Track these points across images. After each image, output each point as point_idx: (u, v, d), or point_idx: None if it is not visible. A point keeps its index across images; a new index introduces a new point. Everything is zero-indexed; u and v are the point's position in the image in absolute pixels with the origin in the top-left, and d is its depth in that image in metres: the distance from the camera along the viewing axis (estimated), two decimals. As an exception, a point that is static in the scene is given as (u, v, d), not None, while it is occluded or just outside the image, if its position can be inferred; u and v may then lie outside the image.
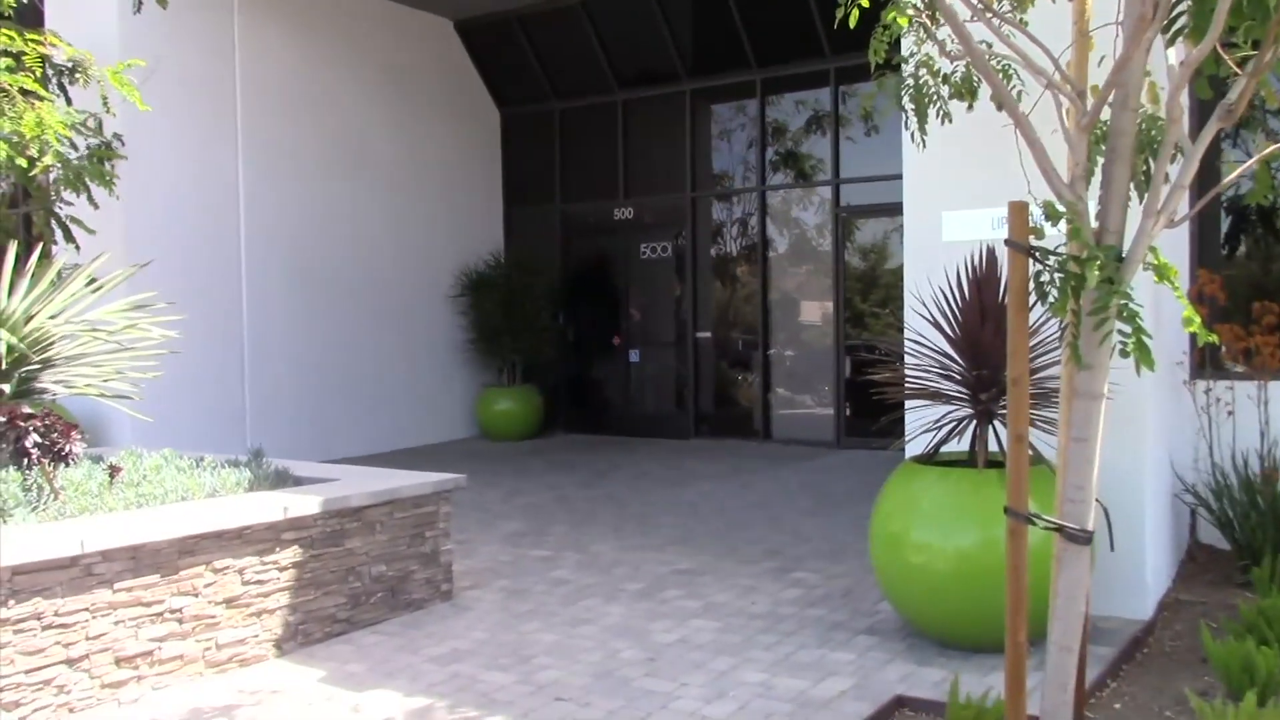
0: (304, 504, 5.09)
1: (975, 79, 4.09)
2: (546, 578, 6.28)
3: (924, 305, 5.03)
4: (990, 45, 3.00)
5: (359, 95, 11.83)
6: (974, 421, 4.87)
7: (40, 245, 7.05)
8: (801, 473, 9.96)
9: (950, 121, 4.27)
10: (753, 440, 11.92)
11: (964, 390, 4.77)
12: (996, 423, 4.80)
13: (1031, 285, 2.65)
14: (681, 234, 12.35)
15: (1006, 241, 2.65)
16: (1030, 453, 2.93)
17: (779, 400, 12.01)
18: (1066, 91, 2.63)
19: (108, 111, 8.53)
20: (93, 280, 5.88)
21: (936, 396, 4.85)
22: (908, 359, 5.25)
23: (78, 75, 8.39)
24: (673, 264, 12.45)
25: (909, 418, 5.55)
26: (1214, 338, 2.52)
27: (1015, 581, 2.72)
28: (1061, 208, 2.58)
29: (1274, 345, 5.83)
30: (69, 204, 9.18)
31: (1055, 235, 2.70)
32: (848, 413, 11.34)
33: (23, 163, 7.89)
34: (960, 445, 4.97)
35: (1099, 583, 4.92)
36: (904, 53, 4.30)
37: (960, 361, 4.82)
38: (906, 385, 5.21)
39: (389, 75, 12.15)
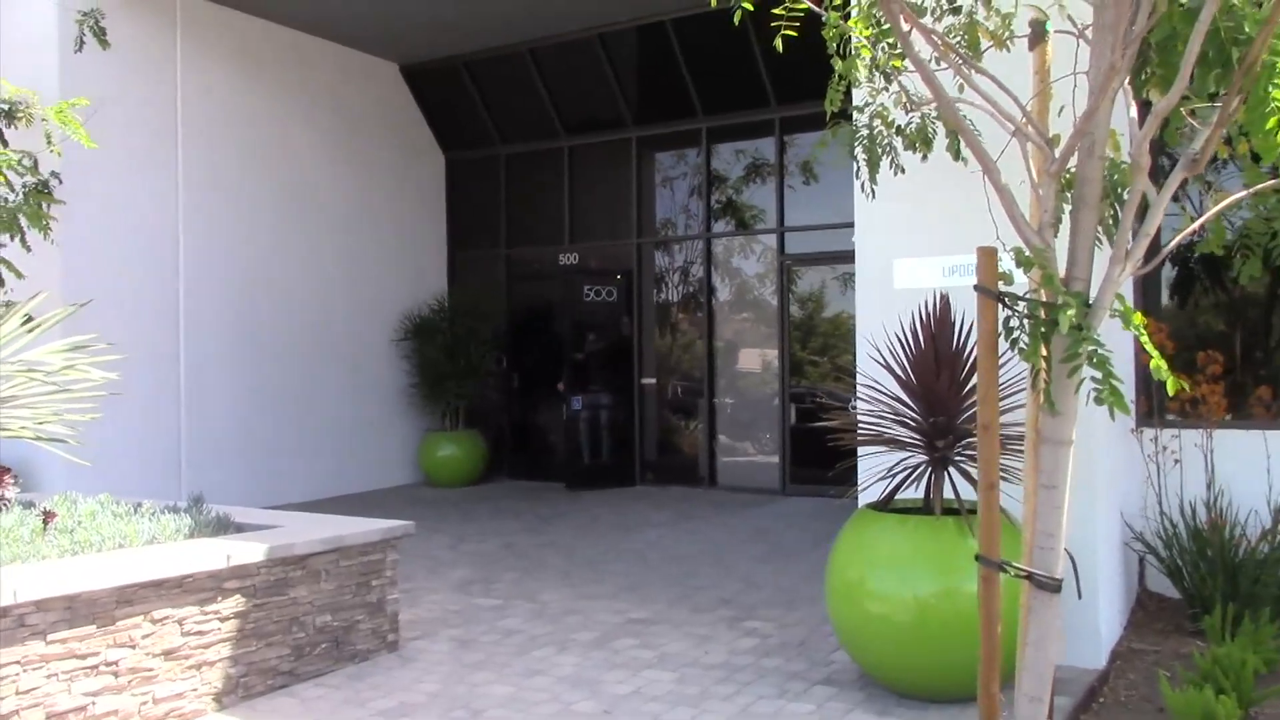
0: (248, 551, 4.93)
1: (930, 130, 4.16)
2: (496, 627, 6.15)
3: (878, 351, 5.06)
4: (950, 95, 3.03)
5: (305, 137, 11.72)
6: (929, 469, 4.88)
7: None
8: (749, 520, 9.93)
9: (903, 172, 4.33)
10: (699, 487, 11.88)
11: (919, 437, 4.78)
12: (952, 469, 4.82)
13: (1000, 331, 2.66)
14: (626, 280, 12.36)
15: (976, 287, 2.67)
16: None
17: (724, 447, 12.01)
18: (1034, 139, 2.66)
19: (52, 150, 8.34)
20: (28, 319, 5.70)
21: (892, 443, 4.86)
22: (861, 405, 5.27)
23: (18, 115, 8.19)
24: (618, 310, 12.44)
25: (861, 465, 5.55)
26: (1184, 384, 2.54)
27: (988, 630, 2.71)
28: (1031, 254, 2.60)
29: (1219, 394, 5.96)
30: (1, 245, 8.94)
31: (1023, 281, 2.72)
32: (792, 460, 11.36)
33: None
34: (915, 493, 4.97)
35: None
36: (857, 103, 4.36)
37: (915, 408, 4.84)
38: (860, 431, 5.23)
39: (336, 117, 12.07)
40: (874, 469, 5.13)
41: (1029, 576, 2.83)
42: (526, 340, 13.19)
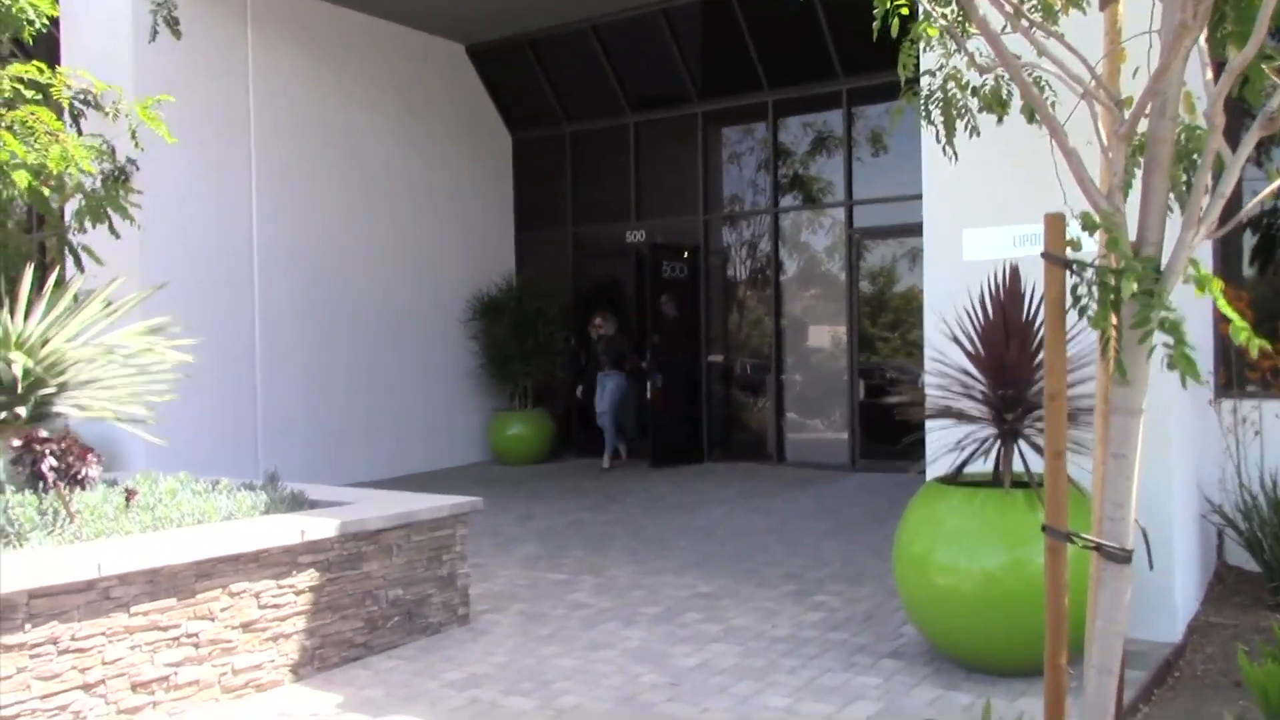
0: (321, 527, 5.04)
1: (1005, 91, 4.07)
2: (564, 601, 6.21)
3: (945, 324, 4.98)
4: (1020, 56, 2.96)
5: (372, 121, 11.85)
6: (999, 441, 4.80)
7: (56, 271, 7.05)
8: (817, 496, 9.87)
9: (979, 135, 4.26)
10: (767, 463, 11.83)
11: (988, 409, 4.71)
12: (1022, 442, 4.74)
13: (1069, 299, 2.60)
14: (693, 256, 12.33)
15: (1044, 254, 2.61)
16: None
17: (792, 423, 11.94)
18: (1103, 100, 2.59)
19: (136, 146, 8.54)
20: (109, 304, 5.86)
21: (960, 416, 4.79)
22: (929, 379, 5.20)
23: (104, 108, 8.40)
24: (685, 287, 12.42)
25: (929, 439, 5.49)
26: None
27: (1055, 602, 2.66)
28: (1099, 219, 2.54)
29: (1302, 363, 5.77)
30: (82, 231, 9.20)
31: (1092, 248, 2.66)
32: (861, 435, 11.26)
33: (45, 191, 7.90)
34: (983, 466, 4.90)
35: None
36: (930, 66, 4.29)
37: (983, 381, 4.76)
38: (928, 405, 5.17)
39: (402, 100, 12.18)
40: (943, 443, 5.07)
41: (1098, 548, 2.77)
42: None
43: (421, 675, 4.94)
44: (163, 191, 9.85)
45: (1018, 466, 4.75)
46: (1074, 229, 2.64)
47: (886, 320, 11.40)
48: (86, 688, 4.19)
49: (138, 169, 9.42)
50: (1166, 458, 4.99)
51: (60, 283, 8.82)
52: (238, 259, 10.59)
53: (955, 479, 4.92)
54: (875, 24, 3.56)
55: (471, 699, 4.59)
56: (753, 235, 12.31)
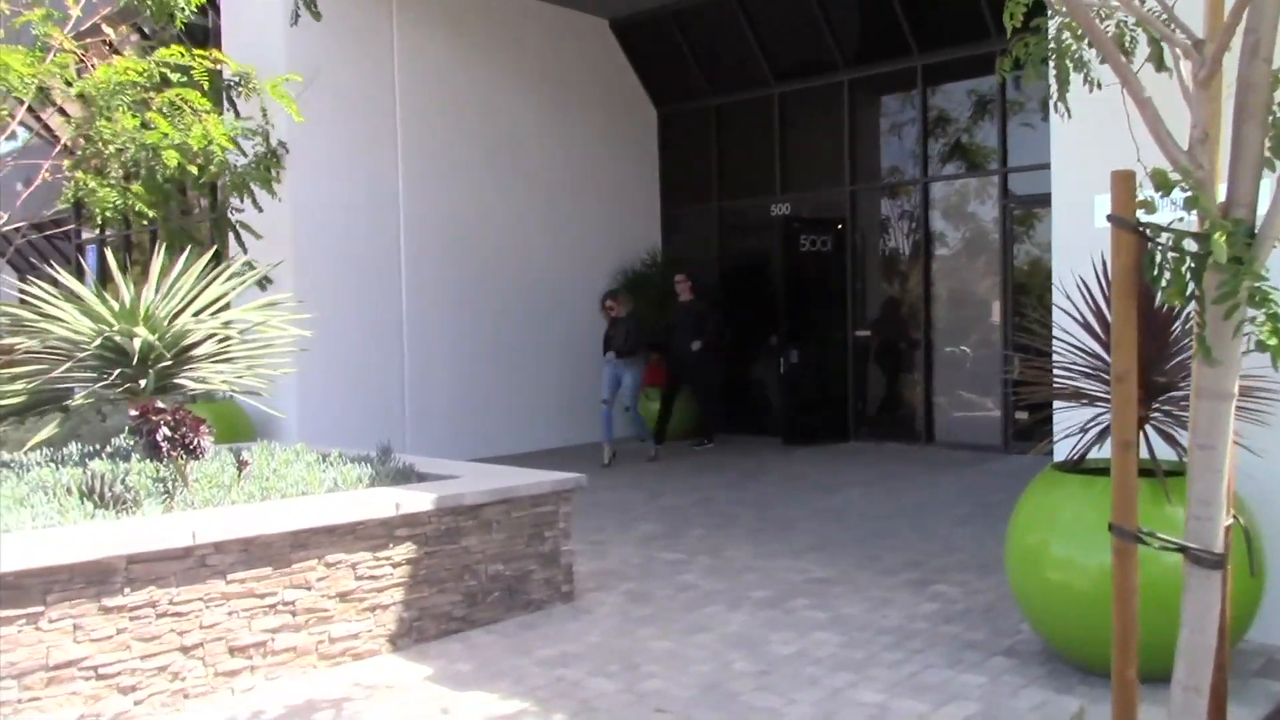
0: (417, 501, 5.07)
1: (1129, 38, 3.68)
2: (673, 582, 6.09)
3: (1069, 300, 4.59)
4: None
5: (515, 97, 11.95)
6: (1125, 425, 4.39)
7: (213, 249, 7.35)
8: (961, 478, 9.43)
9: (1099, 88, 3.87)
10: (914, 444, 11.40)
11: (1104, 389, 4.31)
12: (1150, 428, 4.33)
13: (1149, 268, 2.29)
14: (840, 229, 11.94)
15: (1109, 217, 2.30)
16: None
17: (942, 402, 11.45)
18: (1177, 40, 2.25)
19: (267, 123, 8.87)
20: (234, 275, 6.07)
21: (1077, 397, 4.41)
22: (1055, 357, 4.83)
23: (248, 88, 8.74)
24: (831, 260, 12.05)
25: (1058, 421, 5.10)
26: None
27: (1122, 609, 2.37)
28: (1176, 176, 2.22)
29: None
30: (240, 210, 9.63)
31: (1172, 210, 2.34)
32: (1016, 415, 10.68)
33: (193, 169, 8.30)
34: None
35: (1270, 609, 4.38)
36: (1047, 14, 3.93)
37: (1108, 359, 4.36)
38: (1054, 385, 4.79)
39: (545, 77, 12.23)
40: (1070, 426, 4.68)
41: (1183, 550, 2.45)
42: (738, 293, 13.01)
43: (514, 652, 4.92)
44: (313, 171, 10.20)
45: (1146, 454, 4.35)
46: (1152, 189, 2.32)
47: (1044, 292, 10.73)
48: (185, 650, 4.34)
49: (287, 150, 9.77)
50: None
51: (221, 259, 9.31)
52: (385, 237, 10.87)
53: (1077, 465, 4.54)
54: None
55: (557, 678, 4.54)
56: (901, 206, 11.83)
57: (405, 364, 11.01)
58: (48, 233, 16.25)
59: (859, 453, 11.17)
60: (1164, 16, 2.33)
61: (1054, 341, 4.87)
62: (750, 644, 4.92)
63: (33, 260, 16.06)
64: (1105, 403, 4.44)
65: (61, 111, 10.75)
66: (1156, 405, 4.28)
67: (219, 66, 8.30)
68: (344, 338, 10.46)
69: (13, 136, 11.17)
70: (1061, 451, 4.96)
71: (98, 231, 14.92)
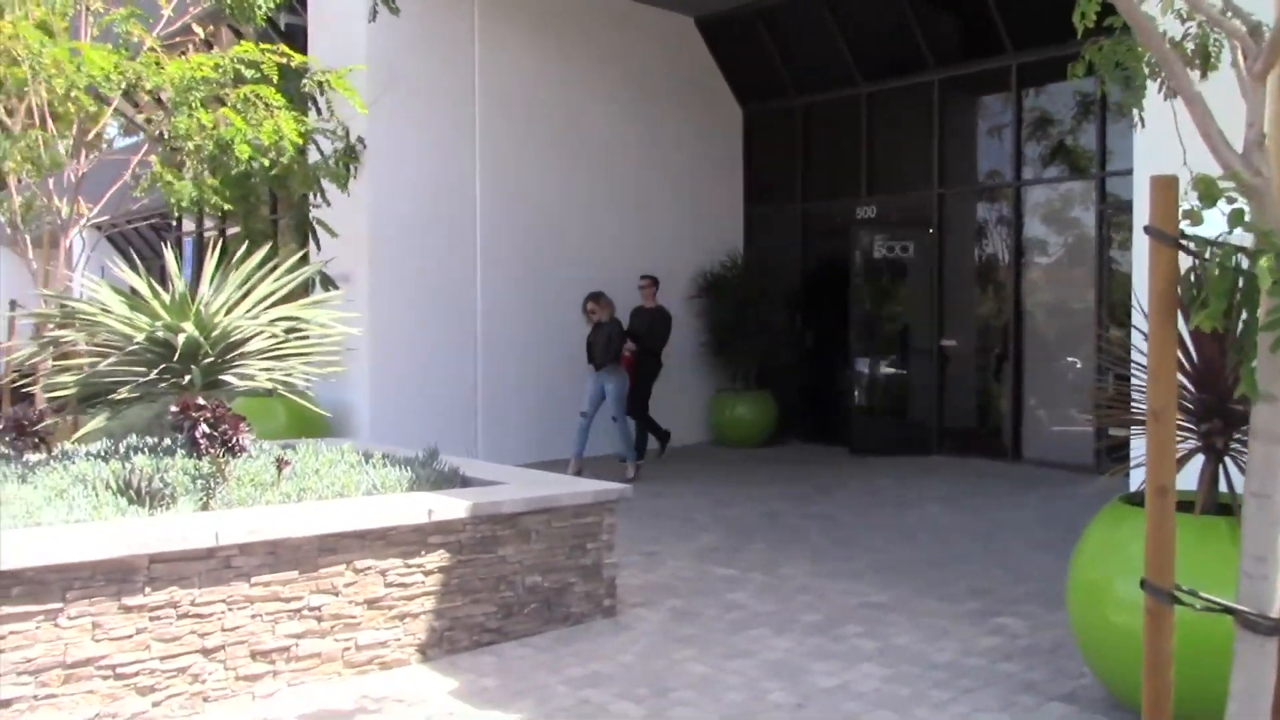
0: (451, 507, 4.94)
1: (1213, 42, 3.35)
2: (722, 600, 5.86)
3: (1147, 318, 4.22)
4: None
5: (597, 97, 11.80)
6: (1204, 457, 4.03)
7: (270, 246, 7.36)
8: (1046, 499, 8.96)
9: (1175, 96, 3.52)
10: (1000, 460, 10.90)
11: (1185, 417, 3.95)
12: (1230, 459, 3.95)
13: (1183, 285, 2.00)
14: (927, 233, 11.51)
15: (1147, 229, 2.02)
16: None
17: (1031, 417, 10.93)
18: (1229, 27, 1.96)
19: (331, 116, 8.87)
20: (328, 282, 6.03)
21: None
22: (1133, 380, 4.47)
23: (314, 81, 8.76)
24: (917, 266, 11.63)
25: (1136, 449, 4.73)
26: None
27: (1153, 675, 2.08)
28: (1226, 184, 1.92)
29: None
30: (316, 206, 9.68)
31: (1220, 221, 2.04)
32: (1108, 434, 10.12)
33: (265, 162, 8.35)
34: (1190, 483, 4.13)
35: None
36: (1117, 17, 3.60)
37: (1186, 382, 4.00)
38: (1131, 410, 4.44)
39: (628, 75, 12.05)
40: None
41: (1232, 613, 2.15)
42: (821, 298, 12.65)
43: (545, 668, 4.75)
44: (391, 168, 10.21)
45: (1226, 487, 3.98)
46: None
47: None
48: (206, 652, 4.27)
49: (364, 146, 9.79)
50: None
51: (305, 257, 9.38)
52: (461, 235, 10.82)
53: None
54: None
55: (582, 700, 4.35)
56: (992, 210, 11.35)
57: (479, 363, 10.94)
58: (153, 224, 16.71)
59: (940, 467, 10.74)
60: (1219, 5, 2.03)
61: (1132, 364, 4.52)
62: (791, 673, 4.66)
63: (131, 252, 16.54)
64: (1186, 432, 4.08)
65: (158, 104, 10.98)
66: (1238, 436, 3.91)
67: (287, 61, 8.31)
68: (417, 336, 10.45)
69: (132, 132, 11.45)
70: (1137, 480, 4.59)
71: (194, 226, 15.27)
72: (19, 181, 8.39)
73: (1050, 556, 6.92)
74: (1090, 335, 10.34)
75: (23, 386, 7.63)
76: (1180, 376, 4.02)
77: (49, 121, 8.13)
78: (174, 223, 15.06)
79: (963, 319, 11.59)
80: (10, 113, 8.27)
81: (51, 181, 8.38)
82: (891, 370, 11.87)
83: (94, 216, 8.95)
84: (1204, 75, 3.45)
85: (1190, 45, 3.36)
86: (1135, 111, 3.57)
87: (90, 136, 8.47)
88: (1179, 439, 4.11)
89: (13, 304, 13.20)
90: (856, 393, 11.95)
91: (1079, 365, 10.66)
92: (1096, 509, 8.63)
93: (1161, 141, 4.24)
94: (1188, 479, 4.17)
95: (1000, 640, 5.12)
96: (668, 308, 11.25)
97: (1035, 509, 8.60)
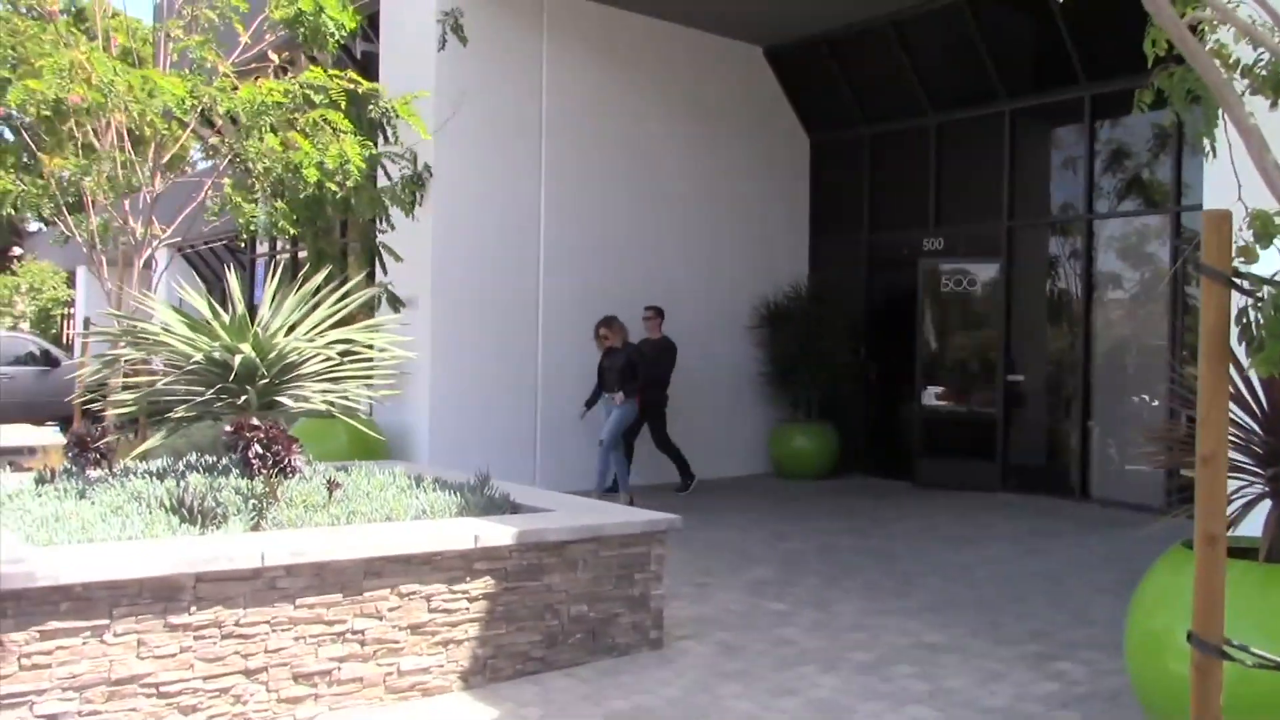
0: (498, 534, 4.92)
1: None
2: (771, 635, 5.75)
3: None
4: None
5: (663, 125, 11.81)
6: (1272, 501, 3.86)
7: (326, 270, 7.46)
8: (1113, 541, 8.68)
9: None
10: (1067, 499, 10.62)
11: (1250, 460, 3.79)
12: (1300, 506, 3.78)
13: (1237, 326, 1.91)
14: (996, 266, 11.31)
15: (1198, 266, 1.93)
16: None
17: (1100, 455, 10.64)
18: (1271, 44, 1.87)
19: (398, 141, 8.98)
20: (342, 298, 6.10)
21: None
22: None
23: (378, 107, 8.90)
24: (985, 299, 11.43)
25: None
26: None
27: (1199, 738, 1.96)
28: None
29: None
30: (383, 231, 9.82)
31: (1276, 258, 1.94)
32: (1184, 474, 9.80)
33: (332, 187, 8.50)
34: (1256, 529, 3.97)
35: None
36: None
37: (1249, 423, 3.84)
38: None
39: (694, 104, 12.06)
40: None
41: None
42: (886, 330, 12.49)
43: (587, 700, 4.70)
44: (456, 194, 10.31)
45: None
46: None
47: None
48: (248, 673, 4.30)
49: (430, 174, 9.91)
50: None
51: (371, 281, 9.50)
52: (524, 262, 10.88)
53: (1215, 543, 4.00)
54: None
55: (622, 734, 4.29)
56: (1063, 244, 11.11)
57: (539, 389, 10.96)
58: (228, 245, 17.13)
59: (1004, 505, 10.49)
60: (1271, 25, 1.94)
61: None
62: (836, 713, 4.55)
63: (203, 273, 16.94)
64: (1251, 476, 3.91)
65: (234, 127, 11.24)
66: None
67: (355, 87, 8.46)
68: (479, 361, 10.51)
69: (212, 155, 11.73)
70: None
71: (266, 248, 15.61)
72: (96, 202, 8.62)
73: (1114, 600, 6.69)
74: (1164, 373, 10.05)
75: (93, 404, 7.82)
76: (1247, 418, 3.87)
77: (127, 144, 8.37)
78: (244, 244, 15.42)
79: (1032, 353, 11.35)
80: (99, 135, 8.52)
81: (128, 203, 8.61)
82: (957, 404, 11.66)
83: (167, 238, 9.17)
84: (1274, 105, 3.33)
85: (1263, 72, 3.25)
86: (1206, 142, 3.44)
87: (167, 159, 8.70)
88: (1245, 483, 3.96)
89: (87, 322, 13.57)
90: (920, 426, 11.75)
91: (1155, 404, 10.35)
92: (1161, 549, 8.36)
93: (1232, 174, 4.11)
94: (1254, 525, 4.01)
95: (1058, 686, 4.95)
96: (735, 336, 11.18)
97: (1099, 550, 8.35)
